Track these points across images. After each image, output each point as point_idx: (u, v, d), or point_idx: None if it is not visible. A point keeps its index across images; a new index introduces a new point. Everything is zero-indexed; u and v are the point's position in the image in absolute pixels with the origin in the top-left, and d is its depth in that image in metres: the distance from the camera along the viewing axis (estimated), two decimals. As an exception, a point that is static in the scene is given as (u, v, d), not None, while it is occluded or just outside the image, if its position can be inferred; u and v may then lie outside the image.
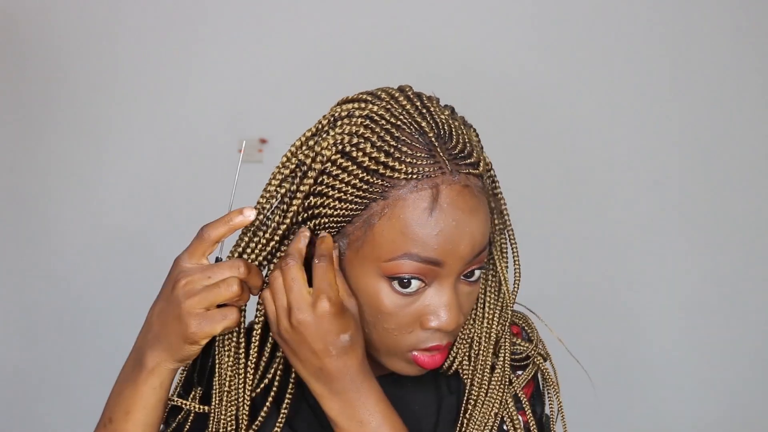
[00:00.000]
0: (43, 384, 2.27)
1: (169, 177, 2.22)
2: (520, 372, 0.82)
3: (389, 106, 0.69)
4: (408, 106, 0.69)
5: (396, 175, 0.66)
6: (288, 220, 0.71)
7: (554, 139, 2.15)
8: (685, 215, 2.15)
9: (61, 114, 2.23)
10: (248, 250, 0.74)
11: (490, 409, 0.77)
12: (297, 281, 0.68)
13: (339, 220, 0.69)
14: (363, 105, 0.70)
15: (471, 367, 0.78)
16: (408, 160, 0.66)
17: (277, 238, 0.72)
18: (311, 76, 2.15)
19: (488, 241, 0.70)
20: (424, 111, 0.69)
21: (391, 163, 0.66)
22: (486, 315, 0.79)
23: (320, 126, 0.72)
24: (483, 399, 0.77)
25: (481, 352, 0.78)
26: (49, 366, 2.26)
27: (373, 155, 0.66)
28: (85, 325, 2.25)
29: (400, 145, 0.67)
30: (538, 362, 0.83)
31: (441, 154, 0.67)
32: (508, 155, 2.03)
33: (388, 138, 0.67)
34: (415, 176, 0.66)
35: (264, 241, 0.73)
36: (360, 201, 0.67)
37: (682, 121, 2.14)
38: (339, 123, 0.70)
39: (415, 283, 0.68)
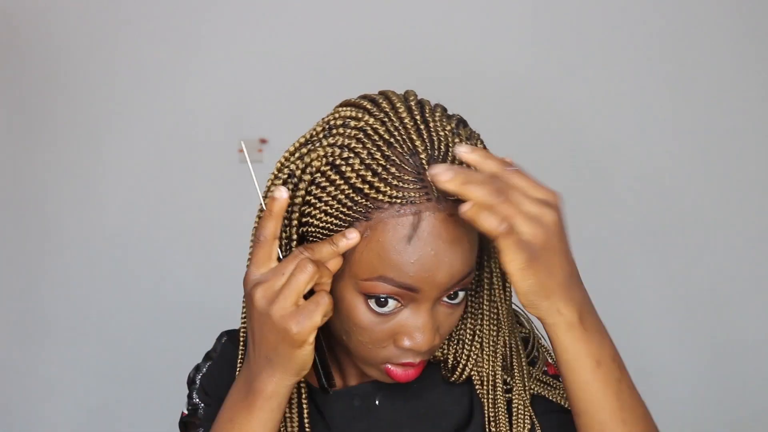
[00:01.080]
0: (44, 385, 2.27)
1: (168, 177, 2.22)
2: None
3: (386, 119, 0.67)
4: (406, 120, 0.67)
5: (380, 197, 0.64)
6: (294, 233, 0.70)
7: (554, 139, 2.16)
8: (685, 216, 2.15)
9: (60, 114, 2.23)
10: None
11: (522, 426, 0.77)
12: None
13: (325, 233, 0.68)
14: (360, 114, 0.68)
15: (483, 386, 0.78)
16: (394, 182, 0.64)
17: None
18: (311, 76, 2.15)
19: (472, 268, 0.68)
20: (422, 126, 0.67)
21: (376, 184, 0.64)
22: (490, 326, 0.78)
23: (314, 133, 0.71)
24: (504, 420, 0.77)
25: (488, 367, 0.78)
26: (49, 366, 2.26)
27: (361, 172, 0.65)
28: (86, 326, 2.25)
29: (388, 165, 0.65)
30: (538, 345, 0.84)
31: (430, 178, 0.64)
32: (508, 155, 2.03)
33: (378, 155, 0.65)
34: (398, 200, 0.64)
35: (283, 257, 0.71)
36: (344, 218, 0.66)
37: (683, 121, 2.14)
38: (333, 132, 0.69)
39: (391, 303, 0.67)
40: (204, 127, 2.20)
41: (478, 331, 0.78)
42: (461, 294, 0.69)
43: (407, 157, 0.65)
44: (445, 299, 0.69)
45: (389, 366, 0.71)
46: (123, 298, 2.23)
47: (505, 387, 0.78)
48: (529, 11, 2.14)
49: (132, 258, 2.23)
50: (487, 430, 0.78)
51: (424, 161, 0.65)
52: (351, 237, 0.65)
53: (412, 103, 0.69)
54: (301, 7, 2.17)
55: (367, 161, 0.65)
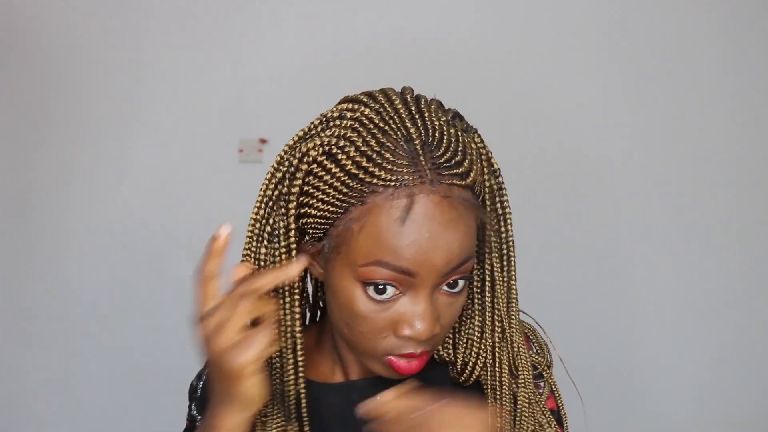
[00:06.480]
0: (45, 384, 2.27)
1: (169, 177, 2.22)
2: (539, 381, 0.82)
3: (381, 109, 0.69)
4: (401, 110, 0.68)
5: (374, 181, 0.65)
6: (292, 223, 0.71)
7: (554, 140, 2.16)
8: (686, 217, 2.15)
9: (62, 115, 2.23)
10: (269, 262, 0.73)
11: (526, 428, 0.76)
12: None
13: (322, 221, 0.69)
14: (356, 107, 0.70)
15: (489, 379, 0.78)
16: (388, 166, 0.65)
17: (293, 246, 0.71)
18: (311, 76, 2.15)
19: (470, 255, 0.69)
20: (417, 116, 0.68)
21: (371, 169, 0.65)
22: (495, 325, 0.77)
23: (312, 126, 0.72)
24: (514, 418, 0.76)
25: (497, 365, 0.77)
26: (50, 367, 2.26)
27: (356, 159, 0.66)
28: (85, 326, 2.25)
29: (383, 151, 0.66)
30: (547, 376, 0.82)
31: (423, 162, 0.65)
32: (509, 156, 2.04)
33: (372, 142, 0.66)
34: (392, 184, 0.65)
35: (283, 250, 0.72)
36: (340, 204, 0.67)
37: (683, 121, 2.14)
38: (330, 124, 0.70)
39: (390, 290, 0.67)
40: (204, 127, 2.20)
41: (488, 330, 0.77)
42: (461, 283, 0.69)
43: (402, 143, 0.66)
44: (445, 288, 0.69)
45: (392, 358, 0.70)
46: (122, 297, 2.23)
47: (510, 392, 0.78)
48: (528, 13, 2.14)
49: (131, 257, 2.23)
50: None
51: (418, 147, 0.66)
52: (299, 261, 0.69)
53: (408, 96, 0.71)
54: (300, 8, 2.17)
55: (362, 148, 0.66)
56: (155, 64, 2.20)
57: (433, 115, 0.69)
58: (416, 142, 0.66)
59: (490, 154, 0.73)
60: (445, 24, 2.15)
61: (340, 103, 0.73)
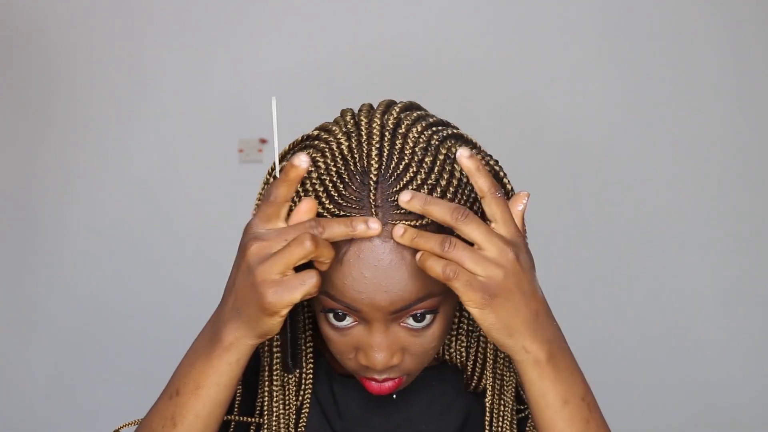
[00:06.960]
0: (46, 383, 2.27)
1: (169, 176, 2.22)
2: None
3: (353, 134, 0.67)
4: (374, 136, 0.66)
5: (325, 213, 0.64)
6: None
7: (554, 140, 2.16)
8: (685, 216, 2.15)
9: (62, 115, 2.23)
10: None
11: None
12: None
13: None
14: (333, 128, 0.68)
15: (493, 398, 0.77)
16: (338, 200, 0.64)
17: None
18: (312, 77, 2.15)
19: (429, 291, 0.65)
20: (387, 144, 0.66)
21: (323, 200, 0.64)
22: (498, 352, 0.76)
23: (296, 142, 0.71)
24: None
25: (497, 389, 0.77)
26: (50, 367, 2.27)
27: (316, 186, 0.65)
28: (86, 325, 2.25)
29: (338, 183, 0.64)
30: None
31: (373, 199, 0.63)
32: (508, 157, 2.04)
33: (333, 172, 0.65)
34: None
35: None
36: None
37: (684, 121, 2.15)
38: (307, 143, 0.69)
39: (348, 318, 0.67)
40: (204, 127, 2.20)
41: (490, 353, 0.77)
42: (429, 317, 0.67)
43: (357, 176, 0.65)
44: (409, 322, 0.67)
45: (363, 377, 0.70)
46: (123, 297, 2.23)
47: (518, 407, 0.78)
48: (529, 17, 2.14)
49: (131, 257, 2.23)
50: None
51: (372, 181, 0.64)
52: (372, 227, 0.62)
53: (390, 118, 0.68)
54: (301, 9, 2.17)
55: (323, 177, 0.65)
56: (155, 65, 2.21)
57: (409, 142, 0.66)
58: (373, 175, 0.64)
59: (501, 173, 0.70)
60: (443, 27, 2.15)
61: (341, 114, 0.71)
